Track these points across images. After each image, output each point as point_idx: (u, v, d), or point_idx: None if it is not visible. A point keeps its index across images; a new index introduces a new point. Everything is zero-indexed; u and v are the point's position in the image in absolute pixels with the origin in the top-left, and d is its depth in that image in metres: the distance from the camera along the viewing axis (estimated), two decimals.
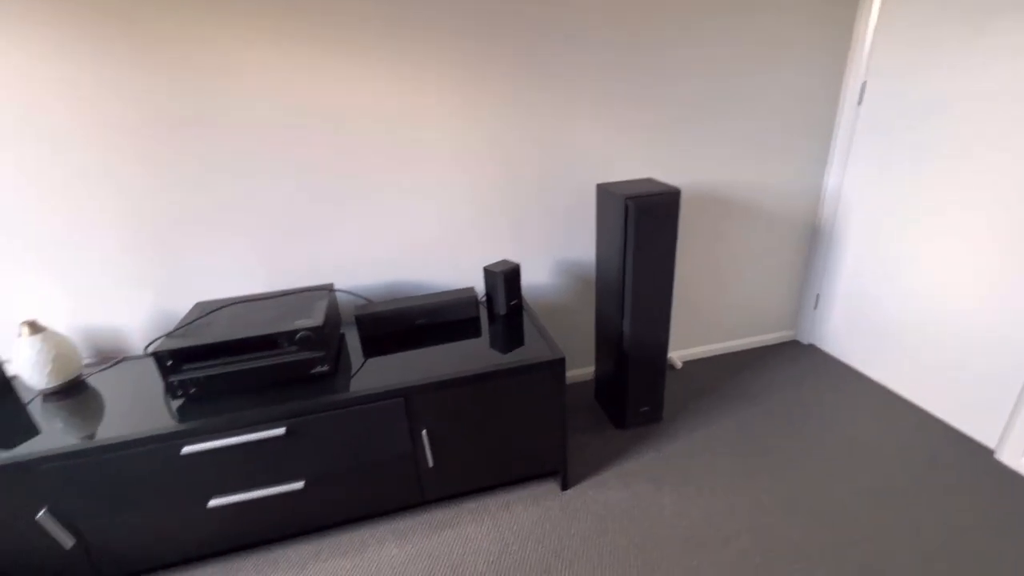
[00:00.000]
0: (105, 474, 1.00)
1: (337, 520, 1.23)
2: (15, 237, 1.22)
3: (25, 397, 1.17)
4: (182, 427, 1.02)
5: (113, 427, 1.03)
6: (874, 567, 1.10)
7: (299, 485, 1.12)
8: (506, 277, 1.38)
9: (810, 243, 1.91)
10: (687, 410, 1.64)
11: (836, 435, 1.50)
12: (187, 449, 1.01)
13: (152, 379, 1.21)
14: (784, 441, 1.49)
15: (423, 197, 1.44)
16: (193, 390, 1.08)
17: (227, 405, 1.07)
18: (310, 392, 1.10)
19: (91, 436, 1.00)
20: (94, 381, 1.23)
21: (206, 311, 1.21)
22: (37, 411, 1.11)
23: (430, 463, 1.18)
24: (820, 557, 1.13)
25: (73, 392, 1.18)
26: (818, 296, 1.94)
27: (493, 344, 1.27)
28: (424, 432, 1.16)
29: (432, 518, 1.28)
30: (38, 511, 0.99)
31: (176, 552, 1.13)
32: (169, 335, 1.11)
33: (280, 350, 1.10)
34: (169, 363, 1.05)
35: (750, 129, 1.64)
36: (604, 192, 1.41)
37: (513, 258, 1.58)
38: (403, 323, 1.36)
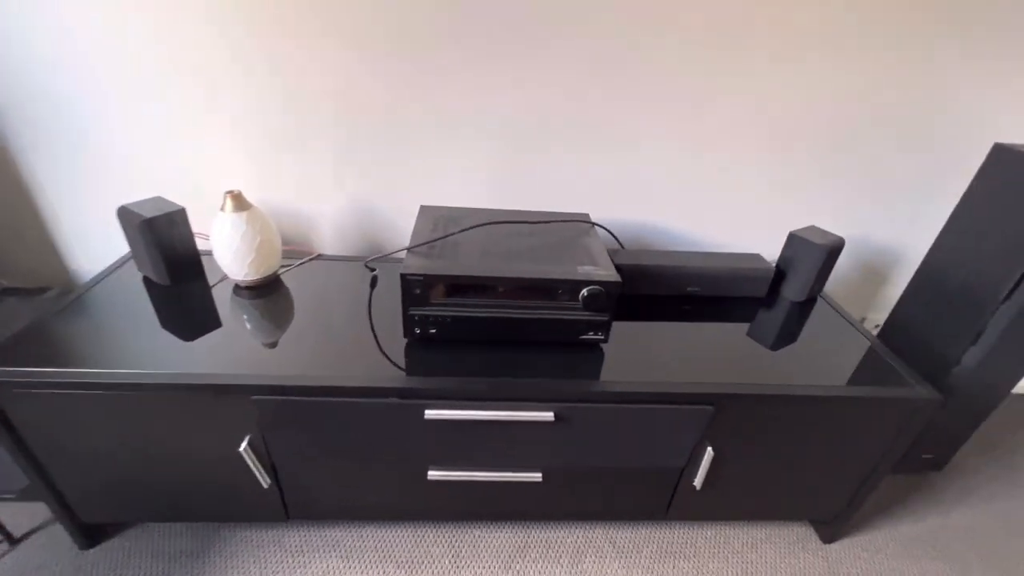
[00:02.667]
0: (321, 418, 0.76)
1: (555, 515, 0.99)
2: (216, 93, 0.94)
3: (213, 285, 0.94)
4: (429, 386, 0.74)
5: (327, 356, 0.78)
6: None
7: (536, 476, 0.86)
8: (829, 253, 0.98)
9: None
10: (978, 462, 1.25)
11: None
12: (431, 414, 0.75)
13: (351, 291, 0.95)
14: None
15: (707, 124, 1.02)
16: (433, 330, 0.80)
17: (470, 360, 0.79)
18: (580, 366, 0.80)
19: (283, 364, 0.76)
20: (288, 279, 0.99)
21: (445, 225, 0.90)
22: (233, 309, 0.88)
23: (698, 485, 0.88)
24: None
25: (268, 290, 0.94)
26: None
27: (800, 347, 0.90)
28: (709, 449, 0.84)
29: (661, 538, 1.01)
30: (242, 440, 0.78)
31: (370, 510, 0.92)
32: (411, 251, 0.81)
33: (555, 303, 0.79)
34: (418, 291, 0.76)
35: None
36: (1011, 156, 0.93)
37: (794, 222, 1.16)
38: (669, 286, 1.00)
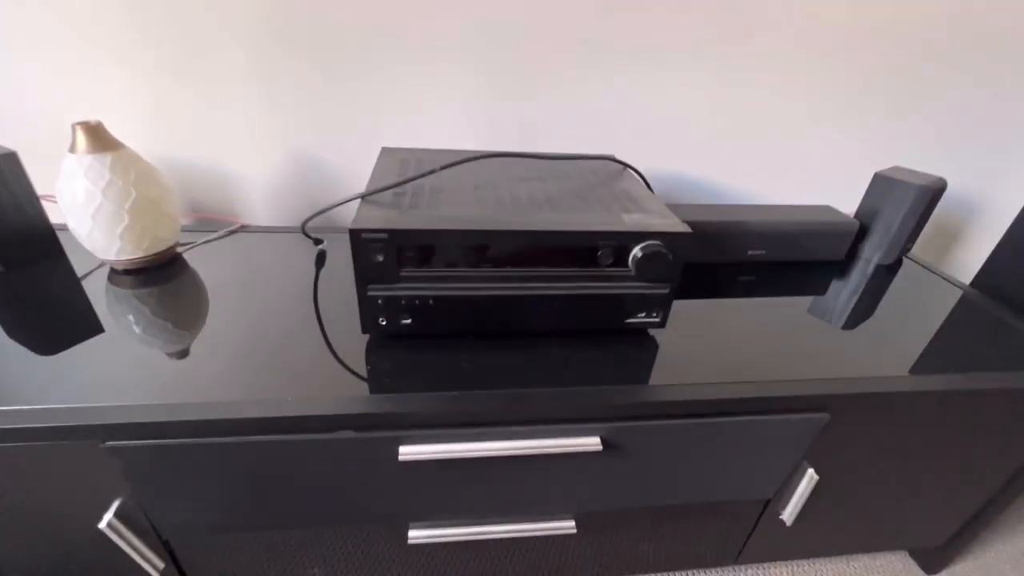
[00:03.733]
0: (231, 469, 0.47)
1: (588, 572, 0.72)
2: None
3: (81, 271, 0.64)
4: (403, 408, 0.47)
5: (250, 370, 0.50)
6: None
7: (568, 526, 0.59)
8: (931, 197, 0.74)
9: None
10: None
11: None
12: (408, 453, 0.47)
13: (290, 273, 0.66)
14: None
15: (751, 43, 0.77)
16: (407, 319, 0.52)
17: (465, 363, 0.52)
18: (627, 365, 0.54)
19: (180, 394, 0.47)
20: (195, 260, 0.69)
21: (416, 169, 0.62)
22: (109, 305, 0.58)
23: (788, 520, 0.64)
24: None
25: (162, 276, 0.65)
26: None
27: (909, 324, 0.66)
28: (810, 472, 0.60)
29: None
30: (106, 508, 0.49)
31: None
32: (366, 198, 0.53)
33: (591, 271, 0.52)
34: (379, 258, 0.48)
35: None
36: None
37: (849, 168, 0.92)
38: (727, 250, 0.75)
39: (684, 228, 0.51)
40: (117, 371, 0.48)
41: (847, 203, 0.91)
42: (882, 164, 0.91)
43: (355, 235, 0.46)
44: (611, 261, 0.51)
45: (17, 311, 0.56)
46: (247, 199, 0.81)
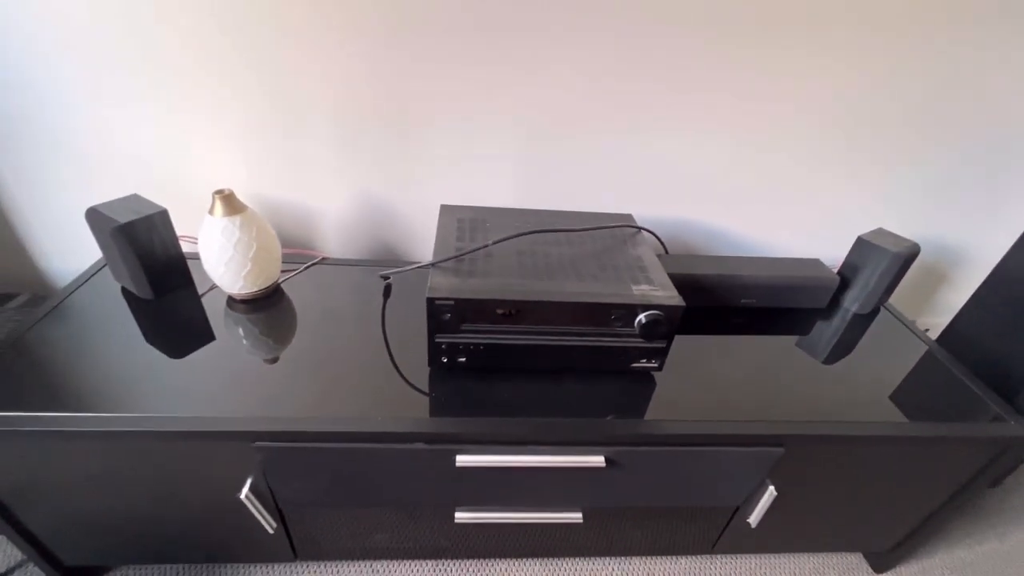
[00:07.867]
0: (333, 465, 0.65)
1: (592, 552, 0.90)
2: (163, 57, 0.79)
3: (210, 302, 0.82)
4: (460, 428, 0.64)
5: (338, 388, 0.67)
6: None
7: (576, 517, 0.77)
8: (904, 262, 0.87)
9: None
10: None
11: None
12: (463, 461, 0.65)
13: (362, 302, 0.83)
14: None
15: (758, 113, 0.89)
16: (463, 359, 0.69)
17: (505, 393, 0.68)
18: (630, 398, 0.69)
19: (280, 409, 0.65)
20: (289, 290, 0.86)
21: (470, 229, 0.77)
22: (228, 328, 0.76)
23: (754, 523, 0.80)
24: None
25: (267, 304, 0.82)
26: None
27: (869, 369, 0.80)
28: (771, 488, 0.75)
29: (704, 571, 0.93)
30: (243, 485, 0.67)
31: (388, 552, 0.83)
32: (437, 265, 0.69)
33: (605, 328, 0.68)
34: (447, 317, 0.64)
35: None
36: None
37: (851, 218, 1.04)
38: (722, 298, 0.89)
39: (679, 302, 0.66)
40: (244, 383, 0.66)
41: (844, 249, 1.03)
42: (876, 216, 1.02)
43: (431, 302, 0.62)
44: (621, 323, 0.67)
45: (162, 334, 0.74)
46: (325, 235, 0.98)
